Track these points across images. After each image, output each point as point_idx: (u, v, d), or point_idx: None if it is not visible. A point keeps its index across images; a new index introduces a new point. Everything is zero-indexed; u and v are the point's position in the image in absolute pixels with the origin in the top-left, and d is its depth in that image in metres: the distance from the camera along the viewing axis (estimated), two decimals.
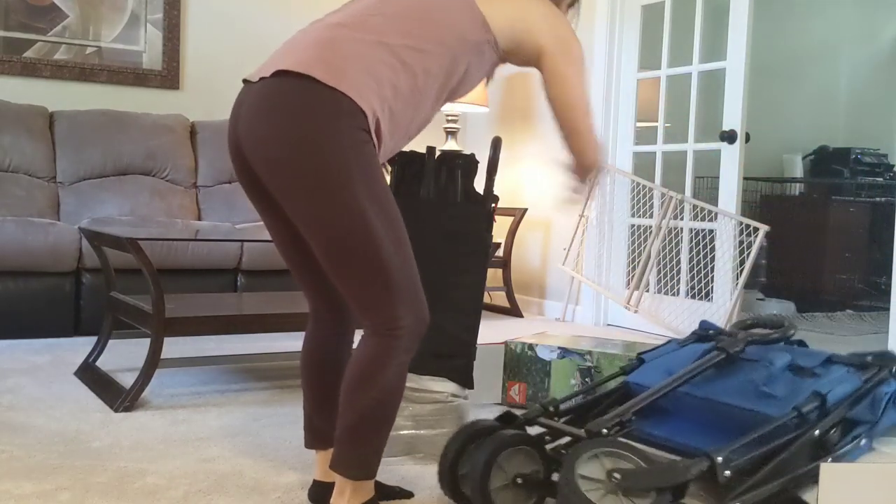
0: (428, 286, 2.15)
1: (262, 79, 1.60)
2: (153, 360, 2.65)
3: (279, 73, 1.56)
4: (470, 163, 2.23)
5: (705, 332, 2.41)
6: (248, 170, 1.67)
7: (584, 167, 1.83)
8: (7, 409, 2.58)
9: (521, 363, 2.82)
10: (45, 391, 2.82)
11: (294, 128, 1.52)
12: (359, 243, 1.54)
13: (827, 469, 1.59)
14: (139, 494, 1.90)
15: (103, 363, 3.16)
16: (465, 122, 5.75)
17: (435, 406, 2.15)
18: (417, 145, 5.61)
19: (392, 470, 2.11)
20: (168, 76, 4.86)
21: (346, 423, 1.61)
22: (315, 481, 1.88)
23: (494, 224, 2.30)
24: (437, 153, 2.25)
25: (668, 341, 2.47)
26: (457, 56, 1.68)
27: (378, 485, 1.91)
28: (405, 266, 1.59)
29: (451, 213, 2.20)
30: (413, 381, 2.16)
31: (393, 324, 1.58)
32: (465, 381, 2.21)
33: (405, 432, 2.17)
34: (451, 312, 2.18)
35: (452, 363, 2.19)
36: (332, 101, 1.53)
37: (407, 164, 2.24)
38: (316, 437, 1.86)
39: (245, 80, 1.68)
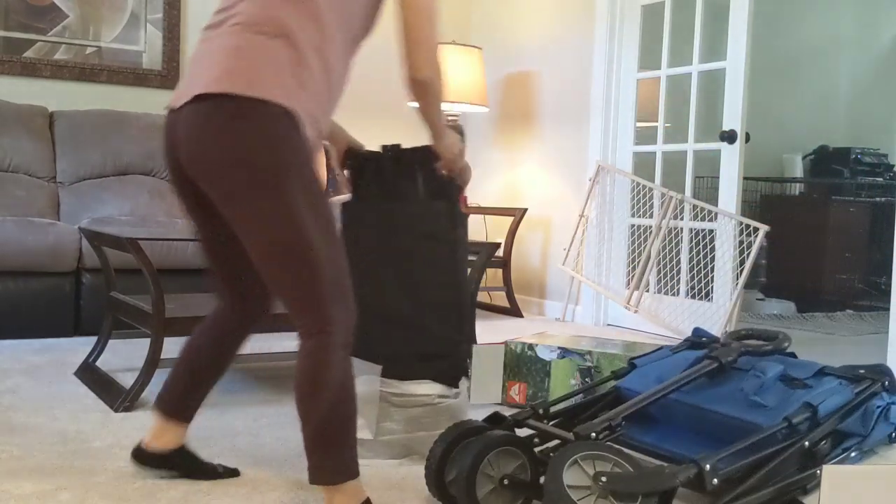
0: (403, 288, 2.14)
1: (186, 104, 1.65)
2: (153, 360, 2.65)
3: (200, 98, 1.62)
4: (427, 156, 2.15)
5: (698, 340, 2.41)
6: (185, 181, 1.78)
7: (417, 84, 1.79)
8: (7, 409, 2.58)
9: (521, 363, 2.82)
10: (45, 391, 2.82)
11: (228, 150, 1.59)
12: (292, 249, 1.61)
13: (829, 471, 1.59)
14: (139, 494, 1.90)
15: (103, 363, 3.16)
16: (464, 122, 5.75)
17: (424, 409, 2.13)
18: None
19: (386, 473, 2.11)
20: (168, 76, 4.86)
21: (311, 432, 1.65)
22: (139, 445, 1.98)
23: (466, 217, 2.26)
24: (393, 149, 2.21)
25: (660, 347, 2.47)
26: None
27: (202, 463, 2.01)
28: (335, 265, 1.65)
29: (412, 212, 2.16)
30: (394, 386, 2.14)
31: (325, 322, 1.63)
32: (451, 381, 2.18)
33: (397, 436, 2.16)
34: (431, 312, 2.15)
35: (437, 364, 2.16)
36: (256, 112, 1.59)
37: (363, 165, 2.18)
38: (162, 403, 1.96)
39: (170, 109, 1.73)
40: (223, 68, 1.62)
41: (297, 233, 1.60)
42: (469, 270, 2.38)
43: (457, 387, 2.20)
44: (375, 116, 5.51)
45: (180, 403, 1.96)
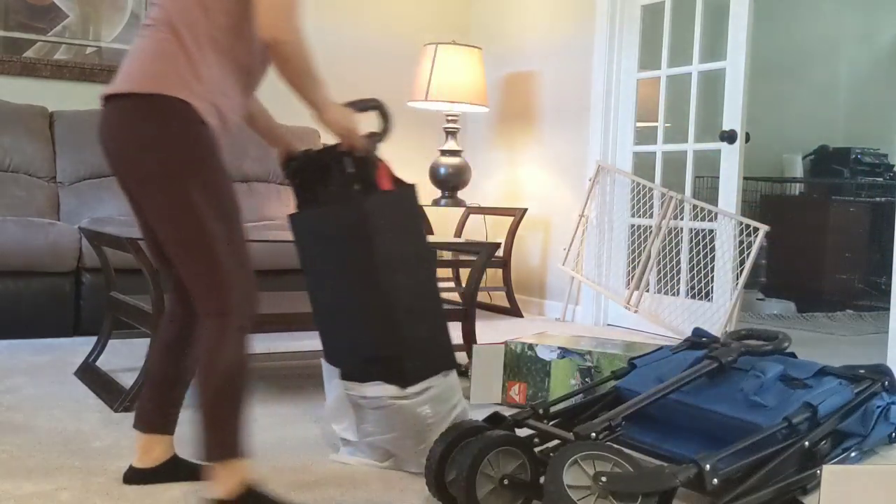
0: (338, 293, 2.09)
1: (102, 107, 1.77)
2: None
3: (108, 100, 1.75)
4: (337, 151, 2.05)
5: (698, 340, 2.41)
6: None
7: (272, 49, 1.71)
8: (7, 409, 2.58)
9: (521, 363, 2.82)
10: (45, 391, 2.82)
11: (129, 145, 1.71)
12: (191, 237, 1.69)
13: (829, 471, 1.59)
14: (139, 494, 1.90)
15: (103, 363, 3.16)
16: (464, 122, 5.75)
17: (385, 410, 2.07)
18: (414, 149, 5.61)
19: (386, 473, 2.11)
20: None
21: (201, 409, 1.71)
22: (131, 466, 1.97)
23: (394, 199, 2.07)
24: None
25: (660, 347, 2.47)
26: None
27: (198, 467, 1.97)
28: (236, 253, 1.72)
29: (323, 214, 2.08)
30: (355, 389, 2.10)
31: (223, 306, 1.70)
32: (399, 381, 2.05)
33: (376, 438, 2.13)
34: (362, 315, 2.07)
35: (383, 366, 2.07)
36: (152, 107, 1.68)
37: (305, 167, 2.10)
38: (140, 421, 1.96)
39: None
40: (125, 70, 1.75)
41: (195, 221, 1.68)
42: (436, 272, 2.23)
43: (404, 386, 2.05)
44: (375, 116, 5.50)
45: (157, 417, 1.96)
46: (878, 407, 2.14)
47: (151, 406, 1.95)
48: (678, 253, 4.37)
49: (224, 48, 1.75)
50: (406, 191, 2.11)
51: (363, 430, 2.13)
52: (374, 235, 2.01)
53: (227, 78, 1.76)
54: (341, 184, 2.03)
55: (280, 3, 1.69)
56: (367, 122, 1.91)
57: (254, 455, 2.21)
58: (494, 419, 1.95)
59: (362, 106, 2.07)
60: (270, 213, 4.67)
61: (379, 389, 2.06)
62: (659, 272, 4.47)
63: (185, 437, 2.31)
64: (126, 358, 3.36)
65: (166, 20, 1.73)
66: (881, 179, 6.17)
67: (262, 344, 3.73)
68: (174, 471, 1.98)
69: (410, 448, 2.09)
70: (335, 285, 2.11)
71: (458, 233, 5.47)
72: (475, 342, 3.22)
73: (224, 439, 1.72)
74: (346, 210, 2.03)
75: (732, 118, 4.11)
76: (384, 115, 2.11)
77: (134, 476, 1.96)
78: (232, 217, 1.73)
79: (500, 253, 5.00)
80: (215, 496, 1.72)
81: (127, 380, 2.89)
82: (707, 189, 4.93)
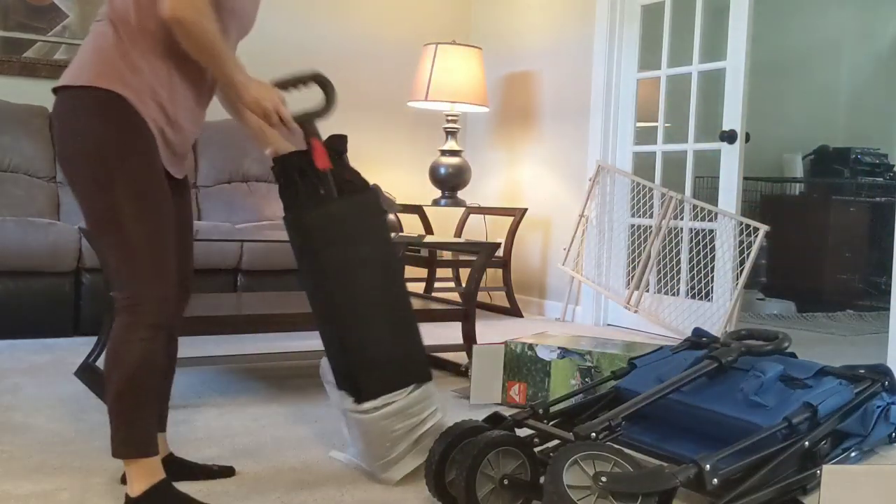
0: (312, 303, 2.03)
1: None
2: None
3: (56, 91, 1.77)
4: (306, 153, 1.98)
5: (698, 340, 2.41)
6: None
7: (173, 26, 1.68)
8: (7, 409, 2.58)
9: (521, 363, 2.82)
10: (45, 391, 2.82)
11: (61, 137, 1.73)
12: (107, 227, 1.70)
13: (829, 471, 1.59)
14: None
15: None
16: (464, 122, 5.75)
17: (348, 420, 2.05)
18: (414, 149, 5.61)
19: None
20: None
21: (109, 404, 1.73)
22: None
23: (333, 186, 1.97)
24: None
25: (660, 347, 2.47)
26: None
27: (194, 465, 2.03)
28: (153, 247, 1.71)
29: (290, 224, 2.03)
30: (333, 394, 2.07)
31: (133, 300, 1.71)
32: (355, 394, 1.99)
33: (361, 447, 2.09)
34: (325, 326, 2.03)
35: (342, 378, 2.03)
36: (81, 99, 1.71)
37: (285, 169, 2.02)
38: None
39: None
40: (74, 62, 1.78)
41: (111, 212, 1.68)
42: (402, 271, 2.11)
43: (358, 400, 1.98)
44: (375, 116, 5.51)
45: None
46: (878, 407, 2.14)
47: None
48: (678, 253, 4.37)
49: (163, 41, 1.73)
50: (364, 197, 2.02)
51: (354, 436, 2.12)
52: (319, 250, 1.95)
53: (172, 72, 1.76)
54: (309, 188, 1.97)
55: None
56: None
57: (253, 455, 2.21)
58: (494, 419, 1.95)
59: (294, 81, 1.93)
60: (270, 213, 4.67)
61: (342, 401, 2.03)
62: (659, 272, 4.47)
63: (183, 437, 2.31)
64: None
65: (108, 14, 1.76)
66: (881, 179, 6.17)
67: (263, 344, 3.73)
68: (171, 470, 1.93)
69: (372, 460, 2.04)
70: (309, 291, 2.09)
71: (458, 233, 5.47)
72: (475, 342, 3.22)
73: (126, 437, 1.73)
74: (294, 224, 2.00)
75: (732, 118, 4.11)
76: (325, 89, 1.96)
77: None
78: (152, 213, 1.71)
79: (500, 253, 5.00)
80: (127, 493, 1.75)
81: None
82: (707, 189, 4.93)
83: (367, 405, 1.97)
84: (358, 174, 2.06)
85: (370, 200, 2.04)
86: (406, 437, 2.02)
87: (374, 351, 1.99)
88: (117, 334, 1.73)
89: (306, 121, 1.95)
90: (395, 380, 2.00)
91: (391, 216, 2.14)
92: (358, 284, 1.98)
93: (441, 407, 2.09)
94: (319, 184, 1.96)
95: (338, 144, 2.02)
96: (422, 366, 2.06)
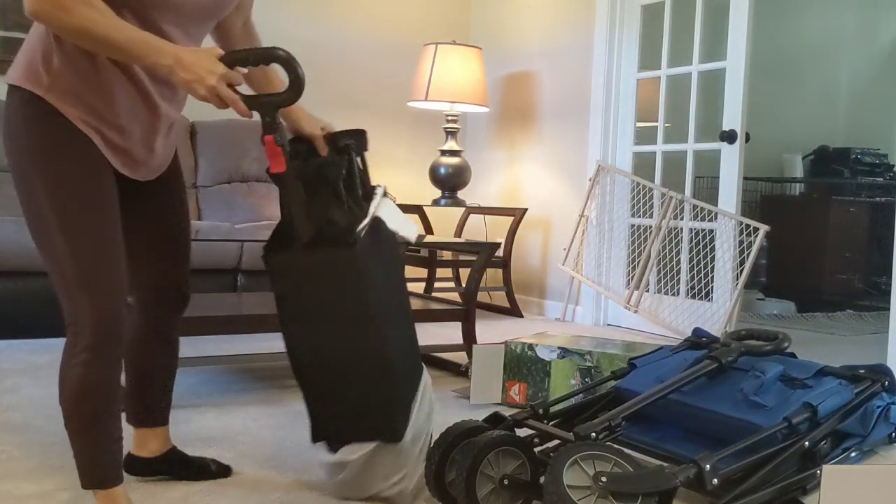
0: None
1: None
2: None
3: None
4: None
5: (698, 340, 2.41)
6: None
7: (42, 25, 1.51)
8: (7, 409, 2.58)
9: (521, 363, 2.82)
10: (45, 391, 2.81)
11: (2, 138, 1.60)
12: (37, 236, 1.57)
13: (829, 471, 1.59)
14: (139, 495, 1.89)
15: None
16: (464, 122, 5.75)
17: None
18: (414, 149, 5.61)
19: None
20: None
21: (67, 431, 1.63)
22: (129, 453, 1.94)
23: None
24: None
25: (660, 347, 2.47)
26: None
27: (192, 460, 2.00)
28: (81, 261, 1.53)
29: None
30: None
31: (71, 318, 1.56)
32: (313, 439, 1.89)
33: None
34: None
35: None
36: (9, 99, 1.58)
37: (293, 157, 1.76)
38: (129, 416, 1.94)
39: None
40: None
41: (40, 223, 1.55)
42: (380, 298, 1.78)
43: (315, 441, 1.89)
44: (375, 116, 5.51)
45: (142, 412, 1.93)
46: (878, 407, 2.14)
47: (133, 401, 1.92)
48: (678, 253, 4.37)
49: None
50: (351, 254, 1.74)
51: None
52: (276, 295, 1.82)
53: (100, 69, 1.57)
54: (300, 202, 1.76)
55: None
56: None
57: (253, 455, 2.21)
58: (494, 419, 1.95)
59: (249, 57, 1.58)
60: (270, 214, 4.67)
61: (317, 451, 1.94)
62: (659, 272, 4.47)
63: (183, 437, 2.31)
64: None
65: None
66: (881, 179, 6.17)
67: (263, 344, 3.73)
68: (170, 464, 1.97)
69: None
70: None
71: (458, 233, 5.47)
72: (475, 342, 3.22)
73: (81, 467, 1.62)
74: (264, 255, 1.83)
75: (732, 118, 4.11)
76: (287, 69, 1.62)
77: (132, 464, 1.94)
78: (83, 224, 1.54)
79: (500, 253, 5.00)
80: None
81: None
82: (707, 189, 4.93)
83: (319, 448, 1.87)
84: (367, 182, 1.85)
85: (356, 256, 1.73)
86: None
87: (331, 398, 1.83)
88: (63, 356, 1.60)
89: (262, 108, 1.62)
90: (349, 432, 1.84)
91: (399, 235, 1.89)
92: (316, 338, 1.79)
93: (410, 474, 1.88)
94: (302, 214, 1.70)
95: (353, 141, 1.82)
96: (389, 422, 1.82)
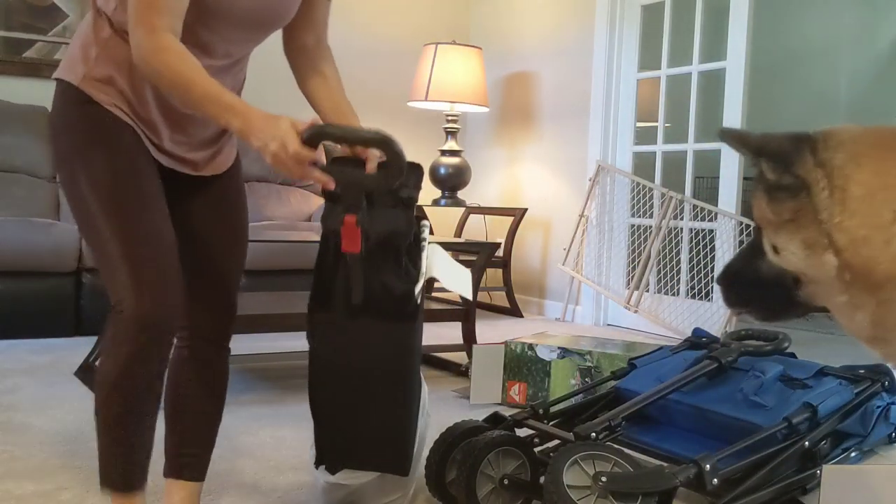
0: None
1: None
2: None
3: None
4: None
5: (698, 340, 2.41)
6: None
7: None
8: (7, 409, 2.58)
9: (521, 363, 2.82)
10: (45, 391, 2.82)
11: (50, 133, 1.60)
12: (81, 223, 1.53)
13: (829, 471, 1.59)
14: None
15: None
16: (464, 122, 5.75)
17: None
18: (414, 149, 5.62)
19: None
20: None
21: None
22: None
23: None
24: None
25: (660, 348, 2.47)
26: None
27: None
28: (127, 246, 1.46)
29: None
30: None
31: (115, 306, 1.47)
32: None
33: None
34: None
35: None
36: (55, 92, 1.57)
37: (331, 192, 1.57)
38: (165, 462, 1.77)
39: None
40: None
41: (83, 208, 1.51)
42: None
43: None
44: (375, 116, 5.51)
45: (168, 458, 1.71)
46: (878, 407, 2.14)
47: (166, 443, 1.71)
48: (678, 253, 4.37)
49: (118, 23, 1.52)
50: (401, 326, 1.62)
51: None
52: (311, 347, 1.69)
53: (126, 53, 1.51)
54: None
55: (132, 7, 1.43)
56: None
57: (253, 455, 2.21)
58: (494, 419, 1.95)
59: (341, 136, 1.46)
60: (270, 213, 4.67)
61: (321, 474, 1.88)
62: (659, 272, 4.47)
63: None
64: None
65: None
66: None
67: (263, 344, 3.73)
68: None
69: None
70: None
71: (458, 233, 5.48)
72: (475, 342, 3.22)
73: (102, 464, 1.52)
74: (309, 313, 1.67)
75: (732, 118, 4.11)
76: (388, 152, 1.50)
77: None
78: (126, 210, 1.49)
79: (500, 253, 5.00)
80: None
81: None
82: (707, 189, 4.93)
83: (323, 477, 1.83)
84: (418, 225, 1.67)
85: (414, 330, 1.62)
86: None
87: (340, 437, 1.74)
88: (104, 346, 1.52)
89: (347, 188, 1.48)
90: (358, 465, 1.77)
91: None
92: (343, 394, 1.70)
93: (409, 490, 1.84)
94: (350, 271, 1.53)
95: (408, 178, 1.62)
96: (399, 459, 1.72)
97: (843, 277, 1.10)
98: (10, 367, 3.18)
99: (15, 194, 4.17)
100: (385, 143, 1.45)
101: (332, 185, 1.47)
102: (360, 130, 1.47)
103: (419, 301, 1.61)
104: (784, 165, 1.11)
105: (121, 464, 1.52)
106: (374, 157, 1.59)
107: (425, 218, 1.72)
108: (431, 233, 1.72)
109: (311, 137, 1.41)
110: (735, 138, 1.17)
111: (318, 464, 1.77)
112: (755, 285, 1.25)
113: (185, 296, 1.60)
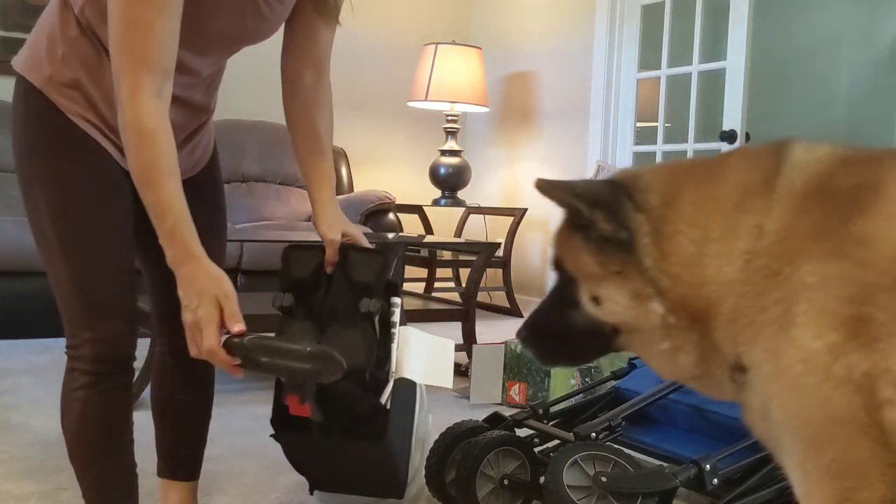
0: None
1: None
2: (153, 360, 2.64)
3: None
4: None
5: None
6: None
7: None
8: (7, 409, 2.58)
9: (521, 363, 2.82)
10: (45, 391, 2.81)
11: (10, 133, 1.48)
12: (38, 245, 1.43)
13: None
14: (139, 495, 1.89)
15: None
16: (464, 122, 5.75)
17: None
18: (414, 149, 5.61)
19: None
20: None
21: None
22: None
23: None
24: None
25: None
26: None
27: None
28: (88, 278, 1.39)
29: None
30: None
31: (69, 340, 1.42)
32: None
33: None
34: None
35: None
36: (14, 90, 1.45)
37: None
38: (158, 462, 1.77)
39: None
40: None
41: (36, 229, 1.42)
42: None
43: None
44: (375, 116, 5.51)
45: (159, 458, 1.71)
46: None
47: (156, 444, 1.71)
48: None
49: (86, 18, 1.41)
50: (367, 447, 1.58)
51: None
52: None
53: (94, 53, 1.41)
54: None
55: (116, 41, 1.28)
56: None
57: (253, 455, 2.21)
58: (494, 419, 1.95)
59: (270, 367, 1.32)
60: (270, 213, 4.67)
61: None
62: None
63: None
64: None
65: None
66: None
67: None
68: None
69: None
70: None
71: (458, 233, 5.48)
72: (475, 342, 3.22)
73: (83, 499, 1.47)
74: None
75: (732, 118, 4.11)
76: (324, 374, 1.32)
77: None
78: (83, 235, 1.39)
79: (500, 253, 5.00)
80: None
81: None
82: None
83: None
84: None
85: (383, 447, 1.58)
86: None
87: (327, 478, 1.79)
88: (63, 384, 1.45)
89: (291, 386, 1.40)
90: (350, 491, 1.83)
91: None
92: (327, 472, 1.74)
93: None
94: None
95: (371, 276, 1.57)
96: (393, 486, 1.74)
97: (668, 322, 1.06)
98: (10, 367, 3.17)
99: (14, 194, 4.15)
100: (312, 375, 1.31)
101: (240, 375, 1.34)
102: (287, 363, 1.30)
103: (388, 407, 1.55)
104: (617, 217, 1.07)
105: (107, 500, 1.49)
106: (332, 251, 1.58)
107: (396, 294, 1.61)
108: (403, 315, 1.64)
109: (231, 351, 1.29)
110: (566, 191, 1.16)
111: (312, 490, 1.81)
112: (567, 339, 1.18)
113: (164, 300, 1.56)
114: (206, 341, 1.27)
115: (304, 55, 1.63)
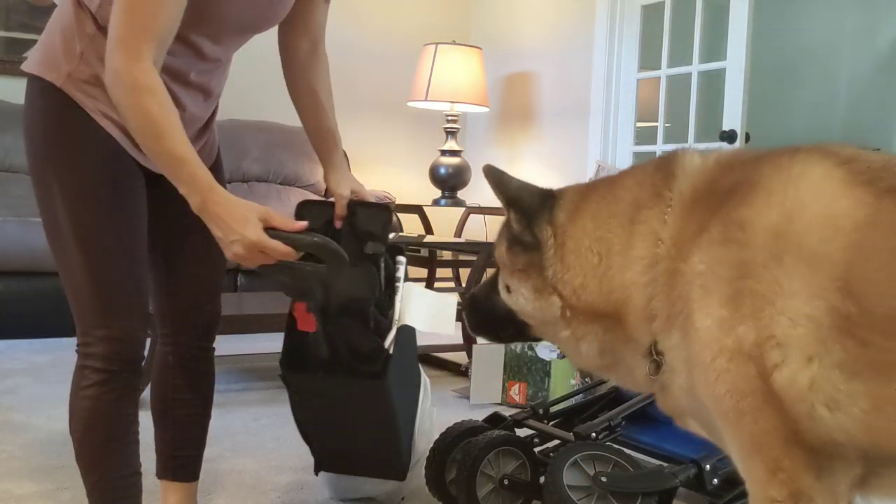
0: None
1: None
2: (153, 360, 2.64)
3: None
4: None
5: None
6: None
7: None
8: (7, 409, 2.58)
9: (521, 363, 2.82)
10: (45, 391, 2.82)
11: (23, 134, 1.53)
12: (52, 245, 1.44)
13: None
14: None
15: None
16: (464, 122, 5.75)
17: None
18: (414, 149, 5.61)
19: None
20: None
21: None
22: None
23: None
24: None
25: None
26: None
27: None
28: (94, 272, 1.40)
29: None
30: None
31: (80, 339, 1.44)
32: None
33: None
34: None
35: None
36: (27, 90, 1.49)
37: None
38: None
39: None
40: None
41: (51, 226, 1.42)
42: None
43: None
44: (375, 116, 5.51)
45: (162, 459, 1.72)
46: None
47: (155, 444, 1.72)
48: None
49: (100, 16, 1.42)
50: (365, 383, 1.66)
51: None
52: (293, 400, 1.82)
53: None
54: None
55: (118, 13, 1.30)
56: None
57: (253, 455, 2.21)
58: (494, 419, 1.95)
59: (292, 244, 1.37)
60: None
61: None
62: None
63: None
64: None
65: None
66: None
67: (263, 344, 3.73)
68: None
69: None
70: None
71: (458, 233, 5.47)
72: (475, 342, 3.22)
73: (88, 498, 1.48)
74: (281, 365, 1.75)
75: (732, 118, 4.11)
76: (329, 257, 1.41)
77: None
78: (100, 233, 1.40)
79: None
80: None
81: None
82: None
83: None
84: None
85: (383, 387, 1.65)
86: None
87: (333, 454, 1.85)
88: (72, 382, 1.47)
89: (295, 279, 1.48)
90: (355, 472, 1.88)
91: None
92: (330, 432, 1.80)
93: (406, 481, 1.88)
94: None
95: (375, 227, 1.68)
96: (396, 467, 1.82)
97: (566, 315, 1.19)
98: (10, 367, 3.17)
99: (16, 194, 4.17)
100: (320, 249, 1.40)
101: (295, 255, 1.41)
102: (301, 238, 1.39)
103: (391, 352, 1.62)
104: (528, 222, 1.25)
105: (111, 501, 1.50)
106: (340, 206, 1.66)
107: (402, 254, 1.72)
108: (407, 267, 1.73)
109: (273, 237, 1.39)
110: (495, 181, 1.36)
111: (317, 471, 1.83)
112: (491, 318, 1.34)
113: (166, 299, 1.60)
114: (275, 249, 1.32)
115: (300, 28, 1.70)
